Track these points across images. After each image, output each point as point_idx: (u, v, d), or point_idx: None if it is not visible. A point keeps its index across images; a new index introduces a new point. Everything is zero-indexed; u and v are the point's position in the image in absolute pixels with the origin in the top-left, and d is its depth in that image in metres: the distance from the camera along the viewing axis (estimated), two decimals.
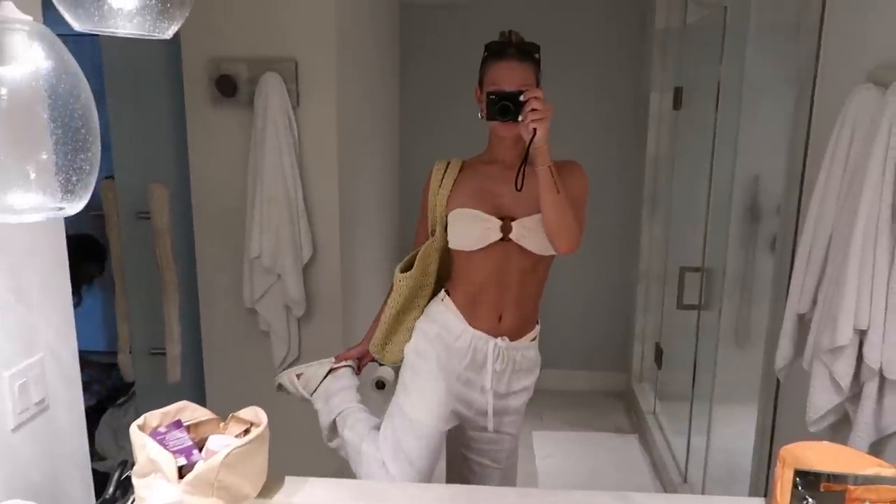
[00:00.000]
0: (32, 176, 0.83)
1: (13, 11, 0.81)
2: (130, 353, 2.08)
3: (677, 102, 3.20)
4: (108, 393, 2.47)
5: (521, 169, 1.55)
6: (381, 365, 1.97)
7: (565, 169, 1.56)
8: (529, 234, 1.61)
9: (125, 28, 0.78)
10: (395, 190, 3.55)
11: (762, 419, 2.06)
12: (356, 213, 2.62)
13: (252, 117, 2.21)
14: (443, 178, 1.70)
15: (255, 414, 1.22)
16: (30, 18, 0.81)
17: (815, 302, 1.56)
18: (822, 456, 1.07)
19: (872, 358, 1.34)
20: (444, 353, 1.71)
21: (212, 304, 2.43)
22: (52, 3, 0.79)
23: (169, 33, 0.81)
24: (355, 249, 2.61)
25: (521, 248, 1.62)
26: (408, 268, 1.74)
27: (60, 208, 0.87)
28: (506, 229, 1.61)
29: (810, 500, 0.81)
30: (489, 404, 1.70)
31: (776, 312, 1.97)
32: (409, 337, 1.78)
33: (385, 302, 1.81)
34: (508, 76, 1.55)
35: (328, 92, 2.25)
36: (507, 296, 1.67)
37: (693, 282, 2.67)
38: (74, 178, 0.85)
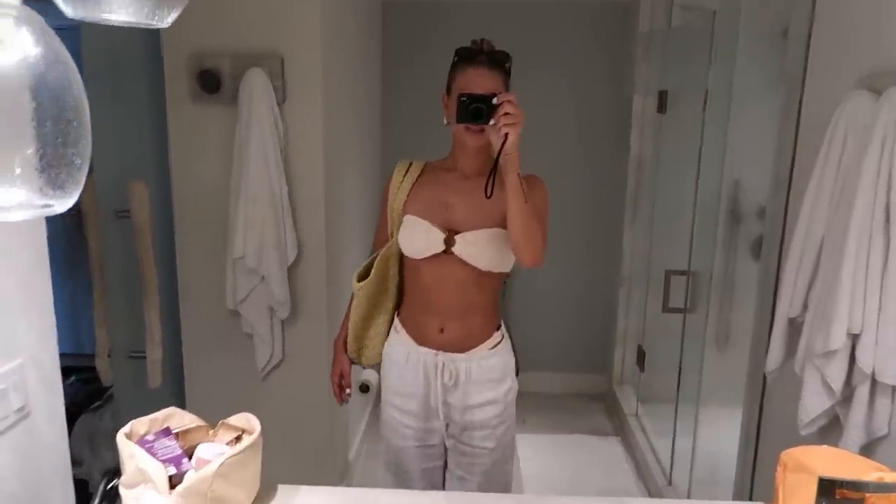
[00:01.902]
0: (18, 171, 0.79)
1: None
2: (109, 356, 2.01)
3: (662, 106, 3.21)
4: (83, 397, 2.40)
5: (492, 174, 1.53)
6: (363, 368, 1.95)
7: (527, 182, 1.54)
8: (472, 248, 1.60)
9: (121, 16, 0.74)
10: (377, 189, 3.51)
11: (747, 422, 2.07)
12: (341, 212, 2.58)
13: (236, 114, 2.16)
14: (402, 179, 1.69)
15: (246, 421, 1.18)
16: (17, 2, 0.77)
17: (805, 306, 1.57)
18: (822, 460, 1.06)
19: (865, 362, 1.34)
20: (398, 378, 1.73)
21: (193, 306, 2.37)
22: None
23: (167, 21, 0.78)
24: (341, 249, 2.57)
25: (463, 261, 1.61)
26: (365, 274, 1.74)
27: (49, 205, 0.83)
28: (449, 242, 1.61)
29: None
30: (433, 416, 1.70)
31: (762, 315, 1.99)
32: (380, 342, 1.79)
33: (350, 306, 1.81)
34: (479, 83, 1.53)
35: (315, 89, 2.21)
36: (448, 307, 1.65)
37: (678, 285, 2.68)
38: (64, 174, 0.81)
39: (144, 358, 2.06)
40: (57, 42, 0.79)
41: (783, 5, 2.00)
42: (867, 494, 0.80)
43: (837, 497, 0.80)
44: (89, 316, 2.13)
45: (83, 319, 2.30)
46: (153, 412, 1.18)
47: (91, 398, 2.50)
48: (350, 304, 1.81)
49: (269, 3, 2.17)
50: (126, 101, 2.13)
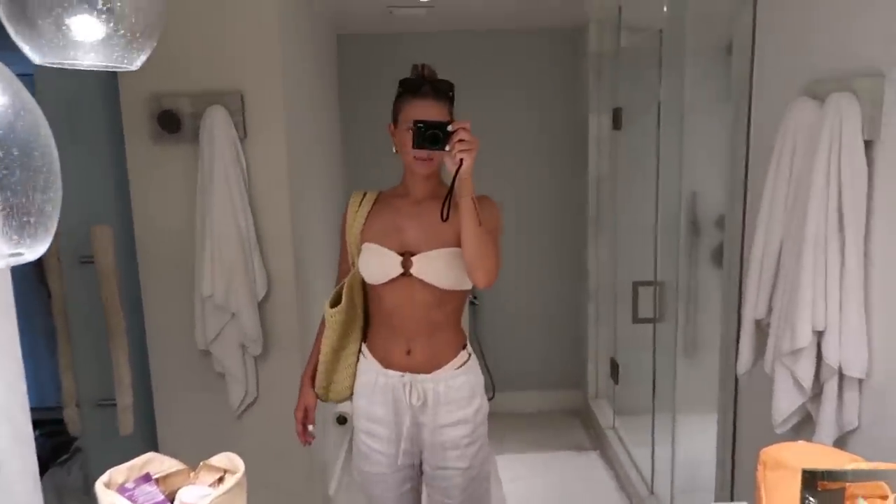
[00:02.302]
0: None
1: None
2: (77, 406, 1.95)
3: (617, 123, 3.30)
4: (49, 451, 2.32)
5: (448, 199, 1.57)
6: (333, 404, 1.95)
7: (480, 203, 1.58)
8: (430, 268, 1.63)
9: (90, 60, 0.75)
10: (341, 220, 3.51)
11: (723, 426, 2.11)
12: (309, 244, 2.57)
13: (197, 152, 2.14)
14: (358, 209, 1.73)
15: (229, 460, 1.16)
16: None
17: (770, 308, 1.62)
18: (800, 455, 1.09)
19: (831, 357, 1.39)
20: (367, 403, 1.74)
21: (161, 349, 2.32)
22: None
23: (136, 64, 0.78)
24: (310, 282, 2.56)
25: (423, 282, 1.64)
26: (336, 302, 1.74)
27: (19, 254, 0.81)
28: (406, 264, 1.64)
29: (811, 499, 0.82)
30: (408, 439, 1.71)
31: (728, 321, 2.04)
32: (349, 374, 1.79)
33: (318, 340, 1.82)
34: (425, 114, 1.57)
35: (276, 123, 2.21)
36: (414, 329, 1.68)
37: (647, 296, 2.73)
38: (35, 222, 0.80)
39: (114, 405, 2.00)
40: (24, 91, 0.78)
41: (725, 22, 2.09)
42: (847, 484, 0.83)
43: (819, 489, 0.83)
44: (50, 367, 2.06)
45: (44, 370, 2.23)
46: (125, 461, 1.15)
47: (57, 452, 2.42)
48: (318, 337, 1.81)
49: (226, 40, 2.18)
50: (84, 145, 2.10)
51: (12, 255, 0.82)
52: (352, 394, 1.81)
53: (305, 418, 1.84)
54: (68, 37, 0.72)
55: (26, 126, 0.77)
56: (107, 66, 0.78)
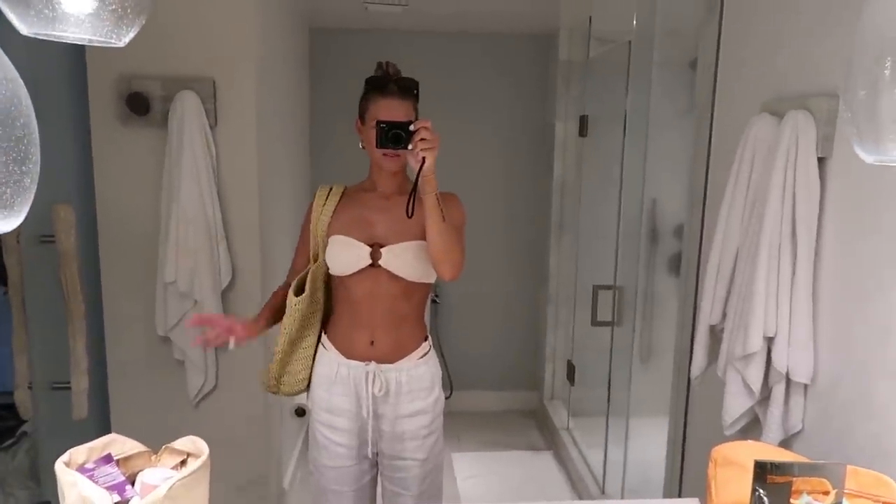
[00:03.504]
0: None
1: None
2: (30, 388, 1.90)
3: (583, 130, 3.37)
4: None
5: (412, 196, 1.61)
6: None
7: (445, 199, 1.63)
8: (398, 260, 1.67)
9: (77, 33, 0.74)
10: (306, 212, 3.50)
11: (673, 427, 2.18)
12: (275, 235, 2.56)
13: (165, 137, 2.12)
14: (325, 203, 1.75)
15: (192, 444, 1.16)
16: None
17: (724, 314, 1.69)
18: (749, 454, 1.15)
19: (780, 363, 1.46)
20: (327, 393, 1.75)
21: (119, 333, 2.28)
22: None
23: (124, 41, 0.78)
24: (275, 272, 2.54)
25: (390, 273, 1.67)
26: (299, 291, 1.75)
27: None
28: (375, 255, 1.67)
29: (761, 491, 0.87)
30: (369, 430, 1.73)
31: (683, 326, 2.11)
32: (304, 367, 1.79)
33: (268, 306, 1.82)
34: (390, 114, 1.61)
35: (247, 111, 2.20)
36: (379, 320, 1.71)
37: (606, 300, 2.80)
38: (12, 192, 0.79)
39: (68, 388, 1.96)
40: (5, 59, 0.78)
41: (692, 38, 2.17)
42: (793, 478, 0.88)
43: (768, 482, 0.88)
44: None
45: None
46: (76, 445, 1.13)
47: (1, 437, 2.34)
48: (270, 303, 1.81)
49: (200, 26, 2.15)
50: (48, 121, 2.05)
51: None
52: (306, 387, 1.81)
53: (210, 322, 1.74)
54: (58, 9, 0.72)
55: (7, 96, 0.76)
56: (92, 41, 0.78)
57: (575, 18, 3.41)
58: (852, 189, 1.36)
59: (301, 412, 2.98)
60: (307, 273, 1.75)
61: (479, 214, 3.78)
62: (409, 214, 1.61)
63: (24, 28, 0.74)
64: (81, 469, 1.08)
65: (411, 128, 1.56)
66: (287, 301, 1.75)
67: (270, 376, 1.80)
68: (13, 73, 0.78)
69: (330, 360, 1.74)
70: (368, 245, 1.67)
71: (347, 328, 1.73)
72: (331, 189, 1.77)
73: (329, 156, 3.68)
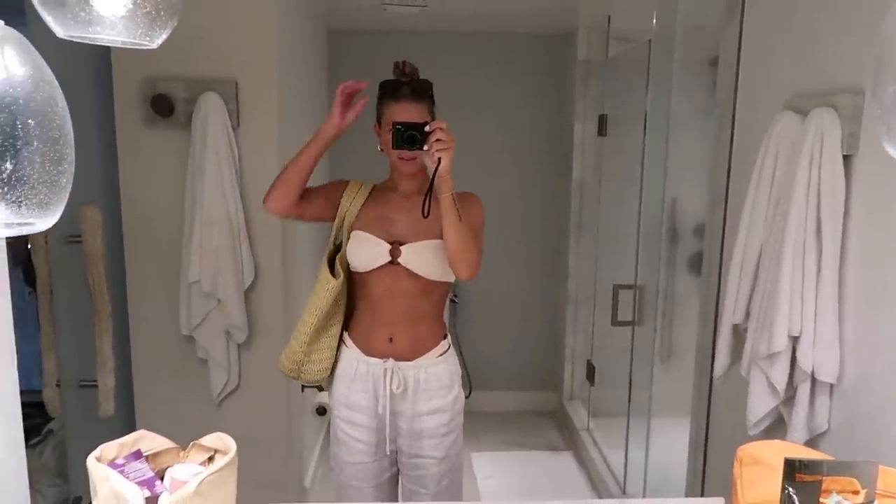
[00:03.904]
0: (2, 189, 0.78)
1: None
2: (58, 386, 1.94)
3: (602, 129, 3.36)
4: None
5: (428, 196, 1.62)
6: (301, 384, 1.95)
7: (464, 199, 1.65)
8: (417, 258, 1.68)
9: (112, 35, 0.76)
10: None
11: (695, 428, 2.16)
12: (297, 235, 2.58)
13: (189, 138, 2.14)
14: (355, 196, 1.77)
15: (220, 440, 1.18)
16: (0, 22, 0.78)
17: (748, 313, 1.67)
18: (776, 453, 1.14)
19: (805, 362, 1.45)
20: (346, 390, 1.76)
21: (144, 332, 2.31)
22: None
23: (157, 42, 0.80)
24: (297, 272, 2.57)
25: (410, 271, 1.68)
26: (332, 268, 1.74)
27: (30, 223, 0.83)
28: (395, 253, 1.69)
29: (791, 490, 0.87)
30: (387, 427, 1.73)
31: (705, 326, 2.09)
32: (328, 356, 1.79)
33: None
34: (405, 117, 1.63)
35: (269, 112, 2.22)
36: (397, 317, 1.72)
37: (626, 299, 2.78)
38: (48, 192, 0.81)
39: (94, 387, 1.99)
40: (41, 61, 0.80)
41: (712, 36, 2.15)
42: (823, 477, 0.87)
43: (797, 481, 0.87)
44: (23, 349, 2.04)
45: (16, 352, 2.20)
46: (102, 442, 1.15)
47: (28, 434, 2.39)
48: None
49: (222, 29, 2.18)
50: (75, 125, 2.09)
51: (22, 224, 0.83)
52: (326, 377, 1.81)
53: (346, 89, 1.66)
54: (93, 11, 0.73)
55: (45, 98, 0.78)
56: (126, 43, 0.80)
57: (594, 18, 3.40)
58: (879, 187, 1.34)
59: (322, 411, 3.00)
60: (336, 255, 1.75)
61: (497, 214, 3.79)
62: (425, 214, 1.61)
63: (60, 31, 0.76)
64: (112, 464, 1.10)
65: (427, 128, 1.57)
66: (319, 280, 1.74)
67: (292, 359, 1.79)
68: (50, 75, 0.80)
69: (350, 356, 1.76)
70: (389, 243, 1.69)
71: (367, 325, 1.75)
72: (361, 185, 1.79)
73: (347, 156, 3.68)
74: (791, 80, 1.65)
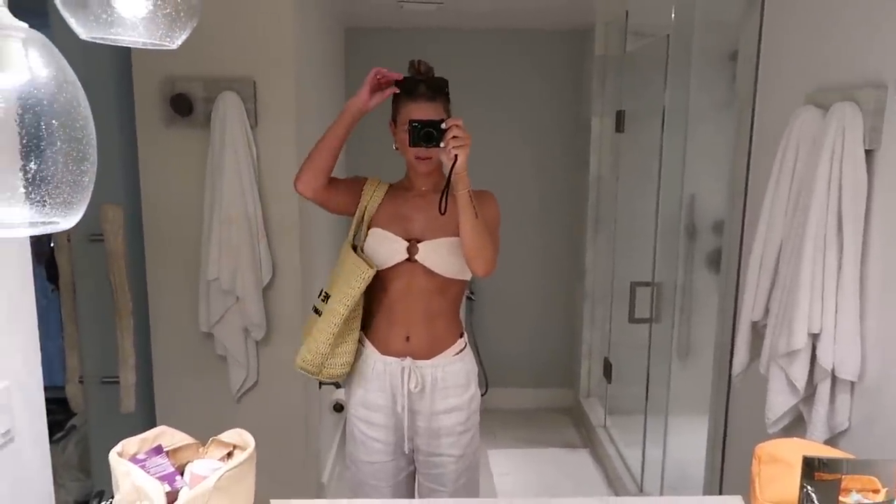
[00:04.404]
0: (27, 189, 0.80)
1: (8, 18, 0.78)
2: (80, 382, 1.97)
3: (620, 125, 3.34)
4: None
5: (445, 193, 1.62)
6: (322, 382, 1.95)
7: (479, 197, 1.65)
8: (434, 255, 1.68)
9: (133, 36, 0.77)
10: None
11: (713, 427, 2.15)
12: (314, 233, 2.60)
13: (208, 137, 2.17)
14: (373, 193, 1.77)
15: (239, 436, 1.19)
16: (25, 25, 0.79)
17: (767, 310, 1.66)
18: (795, 451, 1.13)
19: (825, 360, 1.43)
20: (363, 389, 1.76)
21: (164, 329, 2.34)
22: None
23: (177, 43, 0.81)
24: (315, 269, 2.59)
25: (426, 269, 1.69)
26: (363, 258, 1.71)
27: (54, 222, 0.84)
28: (411, 250, 1.69)
29: (809, 488, 0.86)
30: (405, 426, 1.73)
31: (723, 323, 2.08)
32: (350, 350, 1.75)
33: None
34: (420, 115, 1.63)
35: (287, 111, 2.24)
36: (414, 315, 1.72)
37: (644, 296, 2.77)
38: (71, 191, 0.82)
39: (116, 383, 2.03)
40: (65, 63, 0.81)
41: (732, 30, 2.13)
42: (842, 476, 0.87)
43: (816, 479, 0.87)
44: (46, 346, 2.08)
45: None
46: (124, 438, 1.17)
47: (51, 430, 2.43)
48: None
49: (240, 28, 2.20)
50: (96, 125, 2.12)
51: (46, 223, 0.84)
52: (346, 373, 1.77)
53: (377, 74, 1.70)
54: (115, 13, 0.75)
55: (69, 98, 0.79)
56: (147, 44, 0.81)
57: (611, 13, 3.38)
58: None
59: (339, 407, 3.02)
60: (354, 252, 1.73)
61: (514, 211, 3.78)
62: (442, 211, 1.62)
63: (82, 32, 0.77)
64: (133, 459, 1.12)
65: (443, 126, 1.58)
66: (349, 270, 1.69)
67: (316, 352, 1.72)
68: (73, 76, 0.82)
69: (367, 355, 1.77)
70: (406, 240, 1.70)
71: (384, 324, 1.75)
72: (379, 182, 1.80)
73: (364, 154, 3.71)
74: (812, 73, 1.62)
